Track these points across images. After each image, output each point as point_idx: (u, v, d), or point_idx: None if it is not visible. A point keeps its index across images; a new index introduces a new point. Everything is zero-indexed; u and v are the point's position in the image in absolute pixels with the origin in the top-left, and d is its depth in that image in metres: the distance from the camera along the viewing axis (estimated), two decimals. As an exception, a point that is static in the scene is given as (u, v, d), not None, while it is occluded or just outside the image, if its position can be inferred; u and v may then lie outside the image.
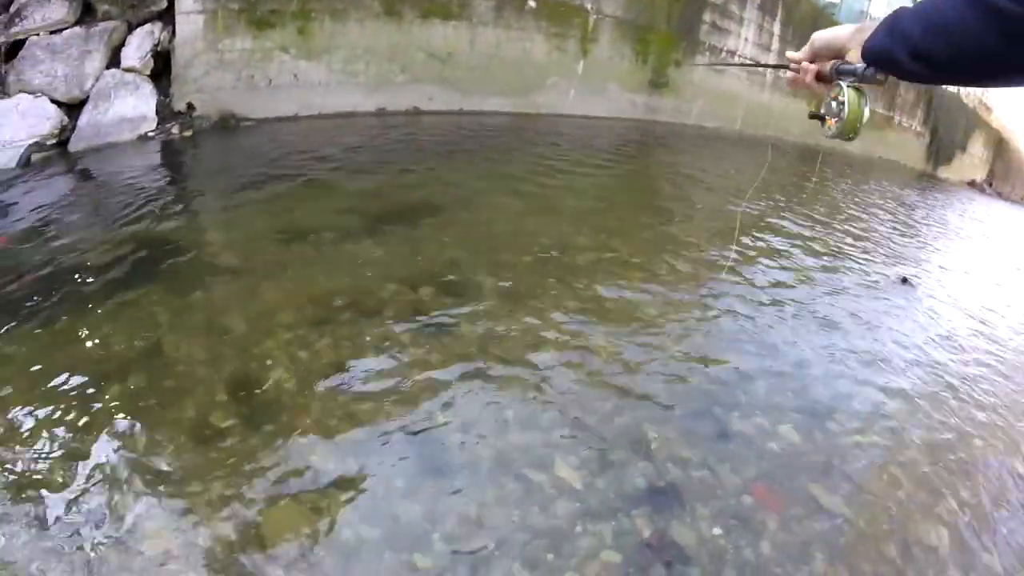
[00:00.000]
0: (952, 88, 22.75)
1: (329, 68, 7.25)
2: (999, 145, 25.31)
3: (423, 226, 4.72)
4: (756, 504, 2.63)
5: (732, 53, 12.12)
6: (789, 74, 1.30)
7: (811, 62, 1.25)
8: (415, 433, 2.61)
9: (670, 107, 11.25)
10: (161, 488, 2.18)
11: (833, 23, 14.43)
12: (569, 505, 2.39)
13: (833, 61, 1.21)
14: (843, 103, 1.18)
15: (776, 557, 2.41)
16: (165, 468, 2.27)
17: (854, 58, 1.14)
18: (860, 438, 3.30)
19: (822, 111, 1.24)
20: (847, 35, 1.17)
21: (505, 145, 7.81)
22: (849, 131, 1.19)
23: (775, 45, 12.87)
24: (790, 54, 1.28)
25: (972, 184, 23.14)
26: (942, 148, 21.18)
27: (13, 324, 2.98)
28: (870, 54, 1.08)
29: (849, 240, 7.00)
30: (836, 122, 1.20)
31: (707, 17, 11.37)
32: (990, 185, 24.18)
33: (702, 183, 8.21)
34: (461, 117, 8.26)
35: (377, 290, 3.65)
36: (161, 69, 7.03)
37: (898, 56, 0.99)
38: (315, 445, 2.46)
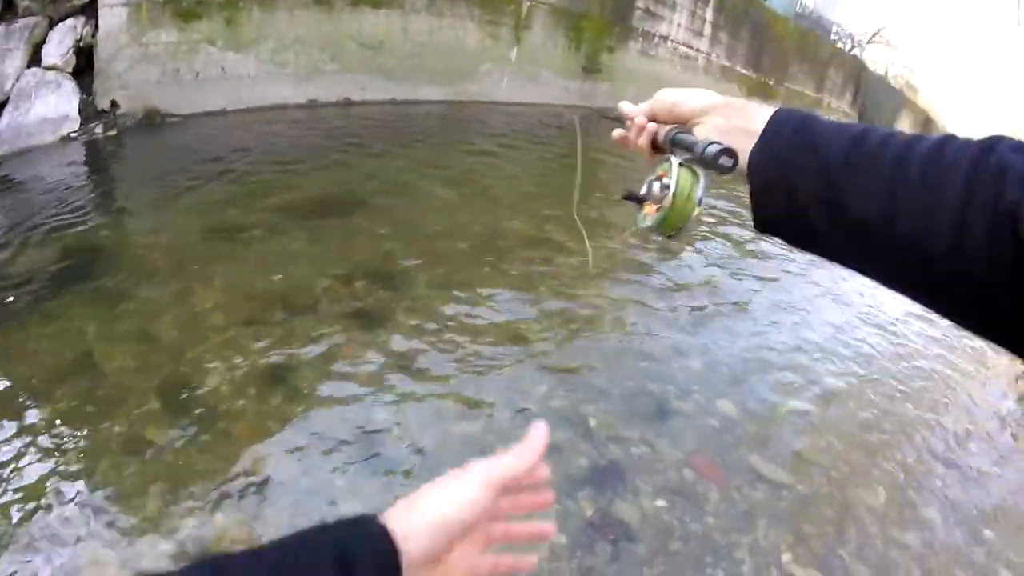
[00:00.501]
0: (880, 69, 23.58)
1: (258, 59, 7.08)
2: (926, 125, 26.33)
3: (356, 219, 4.68)
4: (697, 478, 2.71)
5: (665, 39, 12.30)
6: (617, 131, 0.94)
7: (651, 120, 0.88)
8: (354, 430, 2.60)
9: (604, 92, 11.35)
10: (97, 508, 2.12)
11: (764, 11, 14.83)
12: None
13: (672, 126, 0.84)
14: (668, 186, 0.79)
15: (720, 526, 2.49)
16: (99, 486, 2.21)
17: (703, 133, 0.77)
18: (795, 407, 3.43)
19: (641, 191, 0.85)
20: (702, 105, 0.80)
21: (439, 134, 7.77)
22: (670, 226, 0.80)
23: (707, 31, 13.10)
24: (624, 105, 0.93)
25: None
26: (869, 128, 21.89)
27: None
28: (762, 168, 0.67)
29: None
30: (656, 210, 0.81)
31: (640, 3, 11.49)
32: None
33: (635, 168, 8.31)
34: (394, 107, 8.17)
35: (311, 286, 3.61)
36: (84, 66, 6.75)
37: (814, 206, 0.62)
38: (253, 451, 2.43)
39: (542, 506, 0.64)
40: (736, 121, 0.73)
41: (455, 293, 3.79)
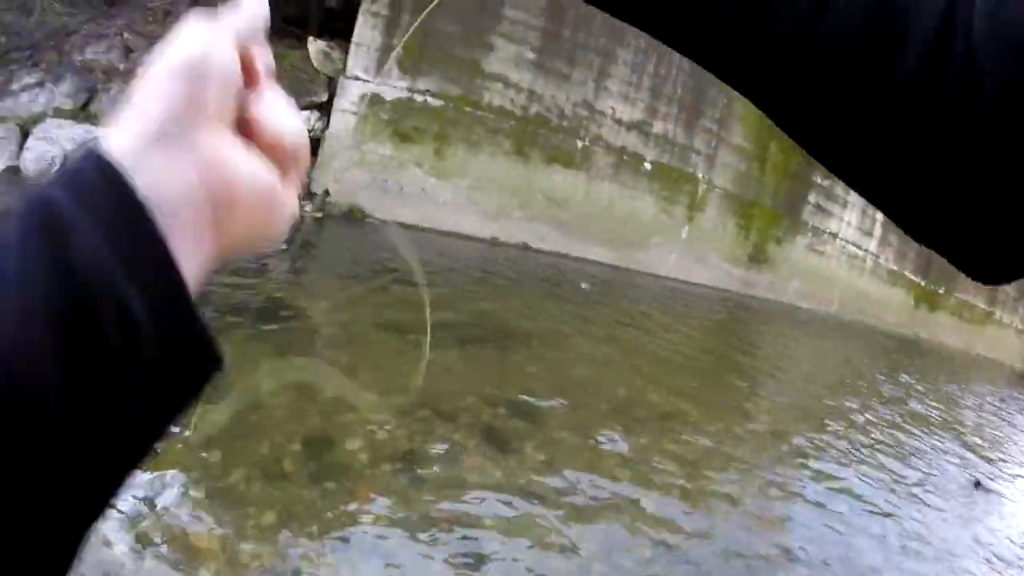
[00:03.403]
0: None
1: (455, 190, 7.91)
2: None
3: (510, 353, 5.02)
4: None
5: (834, 236, 12.20)
6: None
7: None
8: (458, 532, 2.79)
9: (766, 283, 11.40)
10: (220, 502, 2.48)
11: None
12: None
13: None
14: None
15: None
16: (229, 487, 2.54)
17: None
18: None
19: None
20: None
21: (601, 294, 8.14)
22: None
23: (877, 231, 12.83)
24: None
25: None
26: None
27: None
28: None
29: (925, 437, 6.79)
30: None
31: (812, 198, 11.61)
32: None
33: (785, 366, 8.21)
34: (566, 260, 8.69)
35: (457, 398, 3.95)
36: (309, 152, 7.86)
37: None
38: (364, 512, 2.73)
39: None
40: None
41: (583, 444, 3.96)
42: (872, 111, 0.42)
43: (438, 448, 3.35)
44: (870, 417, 7.33)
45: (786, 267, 11.61)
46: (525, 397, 4.31)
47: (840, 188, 11.92)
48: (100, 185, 0.30)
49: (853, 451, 5.85)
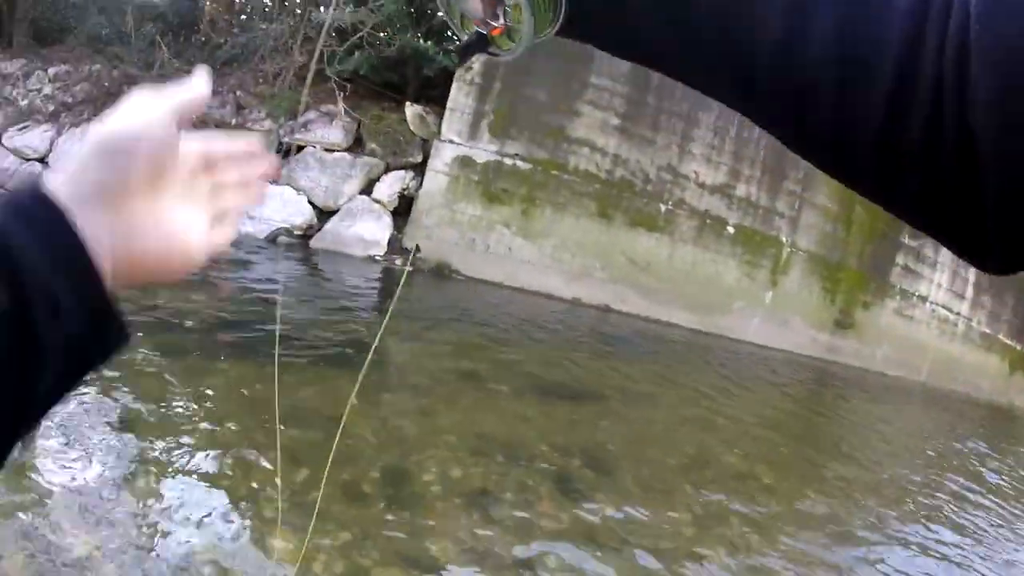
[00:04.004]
0: None
1: (540, 251, 8.14)
2: None
3: (585, 407, 5.19)
4: None
5: (923, 299, 11.75)
6: None
7: None
8: (523, 572, 2.95)
9: (852, 349, 11.09)
10: (300, 516, 2.75)
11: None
12: None
13: None
14: None
15: None
16: (311, 503, 2.81)
17: None
18: None
19: (456, 19, 0.57)
20: None
21: (680, 357, 8.16)
22: (542, 20, 0.51)
23: (969, 293, 12.30)
24: None
25: None
26: None
27: (221, 359, 4.05)
28: None
29: (1015, 520, 6.47)
30: (503, 19, 0.53)
31: (900, 259, 11.27)
32: None
33: (868, 435, 8.00)
34: (646, 323, 8.76)
35: (532, 446, 4.15)
36: (402, 209, 8.32)
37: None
38: (435, 542, 2.91)
39: (267, 173, 0.59)
40: None
41: (653, 498, 4.06)
42: (853, 142, 0.44)
43: (510, 490, 3.52)
44: (955, 491, 7.06)
45: (873, 332, 11.27)
46: (598, 449, 4.46)
47: (930, 248, 11.52)
48: (42, 212, 0.42)
49: (933, 529, 5.68)
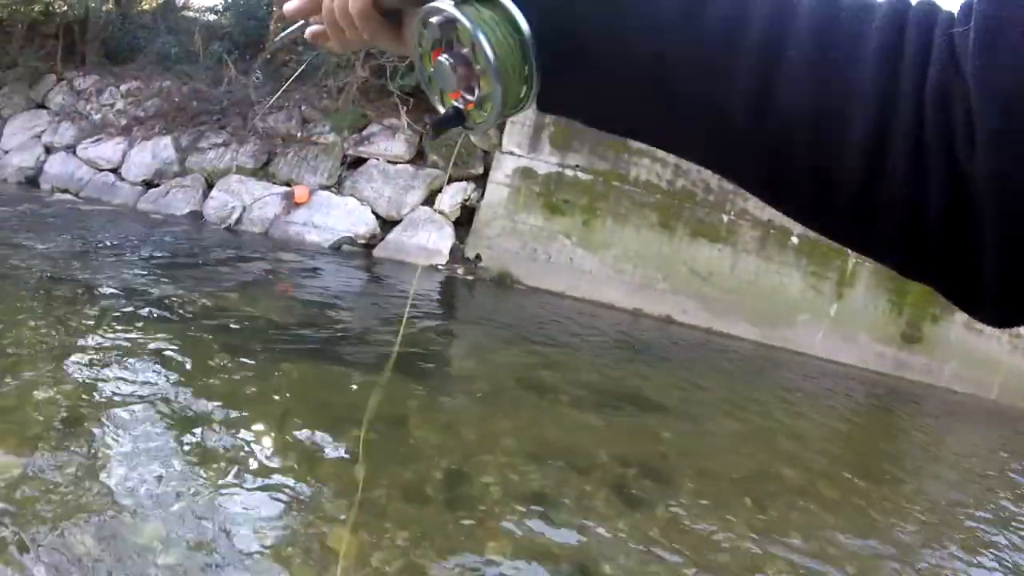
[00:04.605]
0: None
1: (601, 261, 8.11)
2: None
3: (647, 418, 5.15)
4: None
5: None
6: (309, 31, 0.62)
7: None
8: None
9: (920, 364, 10.75)
10: (361, 513, 2.82)
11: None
12: None
13: None
14: (471, 37, 0.48)
15: None
16: (372, 501, 2.91)
17: None
18: None
19: (435, 94, 0.55)
20: None
21: (744, 370, 8.02)
22: (513, 92, 0.49)
23: None
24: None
25: None
26: None
27: (285, 361, 4.32)
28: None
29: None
30: (475, 89, 0.51)
31: None
32: None
33: (934, 454, 7.73)
34: (708, 335, 8.63)
35: (591, 455, 4.13)
36: (463, 220, 8.40)
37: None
38: (492, 544, 2.92)
39: None
40: None
41: (710, 509, 4.00)
42: (834, 199, 0.42)
43: (568, 496, 3.51)
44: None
45: (942, 347, 10.91)
46: (658, 460, 4.41)
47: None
48: None
49: (1004, 557, 5.44)
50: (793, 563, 3.81)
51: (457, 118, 0.53)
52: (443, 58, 0.50)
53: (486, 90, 0.50)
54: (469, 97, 0.51)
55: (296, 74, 10.14)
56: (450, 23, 0.49)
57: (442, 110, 0.54)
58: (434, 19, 0.49)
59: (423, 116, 8.93)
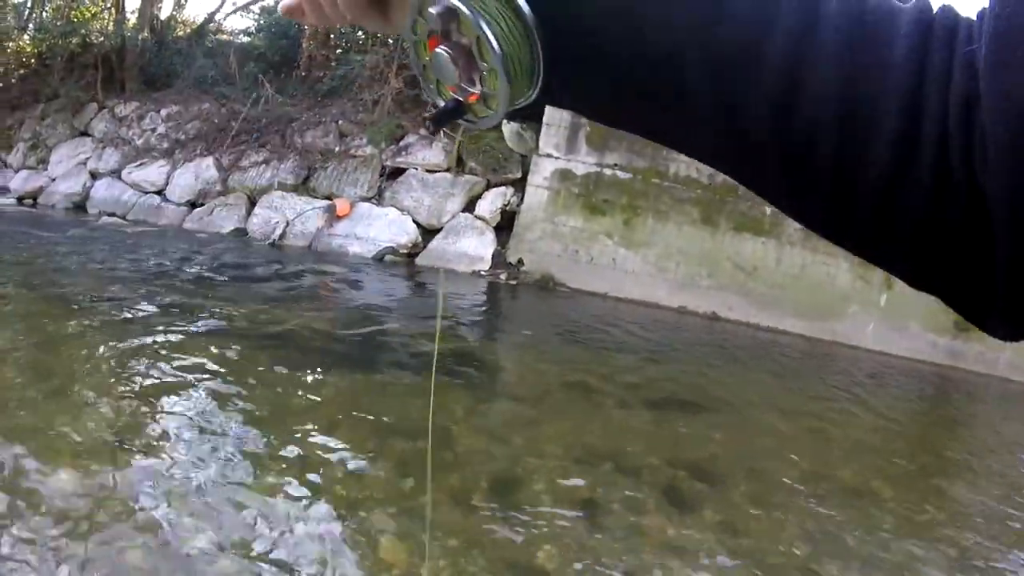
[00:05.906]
0: None
1: (644, 260, 8.04)
2: None
3: (696, 420, 5.05)
4: None
5: None
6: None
7: None
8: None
9: (974, 354, 10.46)
10: (410, 521, 2.82)
11: None
12: None
13: None
14: (474, 29, 0.45)
15: None
16: (420, 509, 2.91)
17: None
18: None
19: (431, 84, 0.51)
20: None
21: (794, 366, 7.87)
22: (519, 87, 0.47)
23: None
24: None
25: None
26: None
27: (332, 370, 4.40)
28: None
29: None
30: (479, 84, 0.48)
31: None
32: None
33: (994, 447, 7.49)
34: (755, 331, 8.50)
35: (640, 457, 4.06)
36: (504, 225, 8.42)
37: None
38: (541, 550, 2.87)
39: None
40: None
41: (763, 512, 3.90)
42: (854, 206, 0.41)
43: (617, 500, 3.45)
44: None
45: (996, 335, 10.62)
46: (708, 461, 4.32)
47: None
48: None
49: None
50: (848, 566, 3.72)
51: (457, 111, 0.50)
52: (442, 49, 0.47)
53: (491, 85, 0.47)
54: (469, 89, 0.48)
55: (330, 89, 10.29)
56: (450, 12, 0.45)
57: (440, 102, 0.51)
58: (433, 8, 0.46)
59: (458, 123, 8.98)
